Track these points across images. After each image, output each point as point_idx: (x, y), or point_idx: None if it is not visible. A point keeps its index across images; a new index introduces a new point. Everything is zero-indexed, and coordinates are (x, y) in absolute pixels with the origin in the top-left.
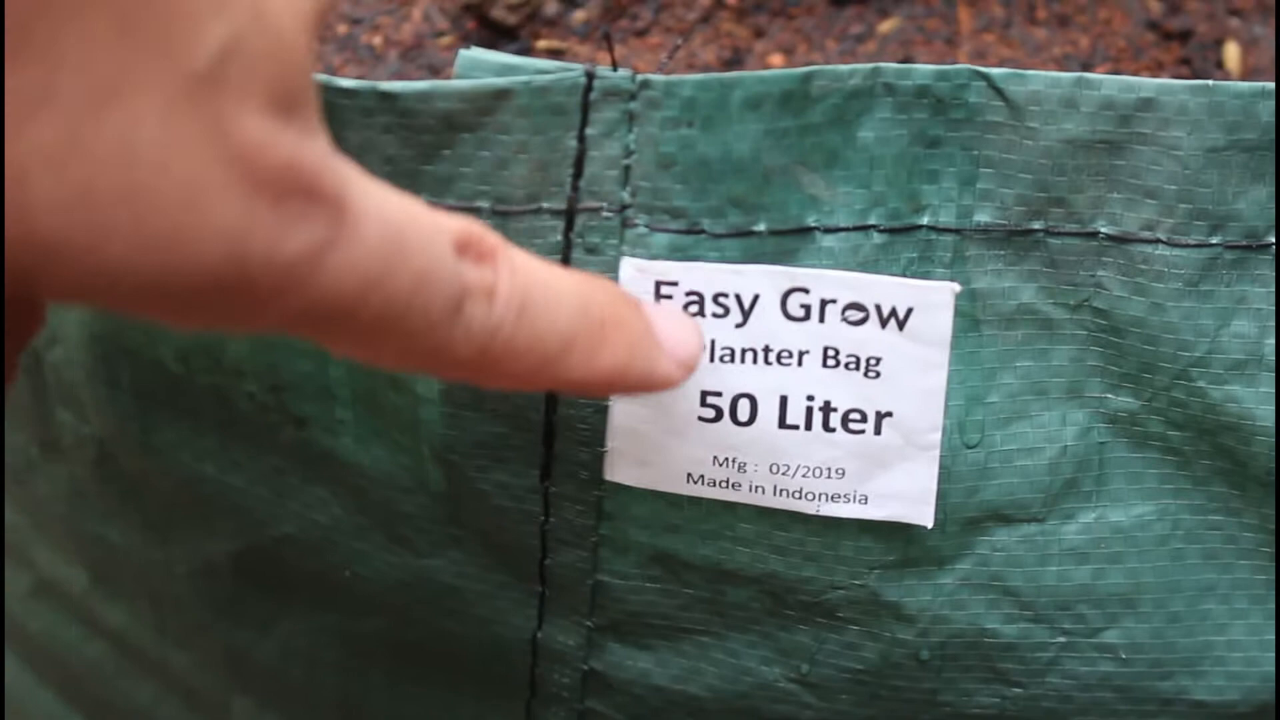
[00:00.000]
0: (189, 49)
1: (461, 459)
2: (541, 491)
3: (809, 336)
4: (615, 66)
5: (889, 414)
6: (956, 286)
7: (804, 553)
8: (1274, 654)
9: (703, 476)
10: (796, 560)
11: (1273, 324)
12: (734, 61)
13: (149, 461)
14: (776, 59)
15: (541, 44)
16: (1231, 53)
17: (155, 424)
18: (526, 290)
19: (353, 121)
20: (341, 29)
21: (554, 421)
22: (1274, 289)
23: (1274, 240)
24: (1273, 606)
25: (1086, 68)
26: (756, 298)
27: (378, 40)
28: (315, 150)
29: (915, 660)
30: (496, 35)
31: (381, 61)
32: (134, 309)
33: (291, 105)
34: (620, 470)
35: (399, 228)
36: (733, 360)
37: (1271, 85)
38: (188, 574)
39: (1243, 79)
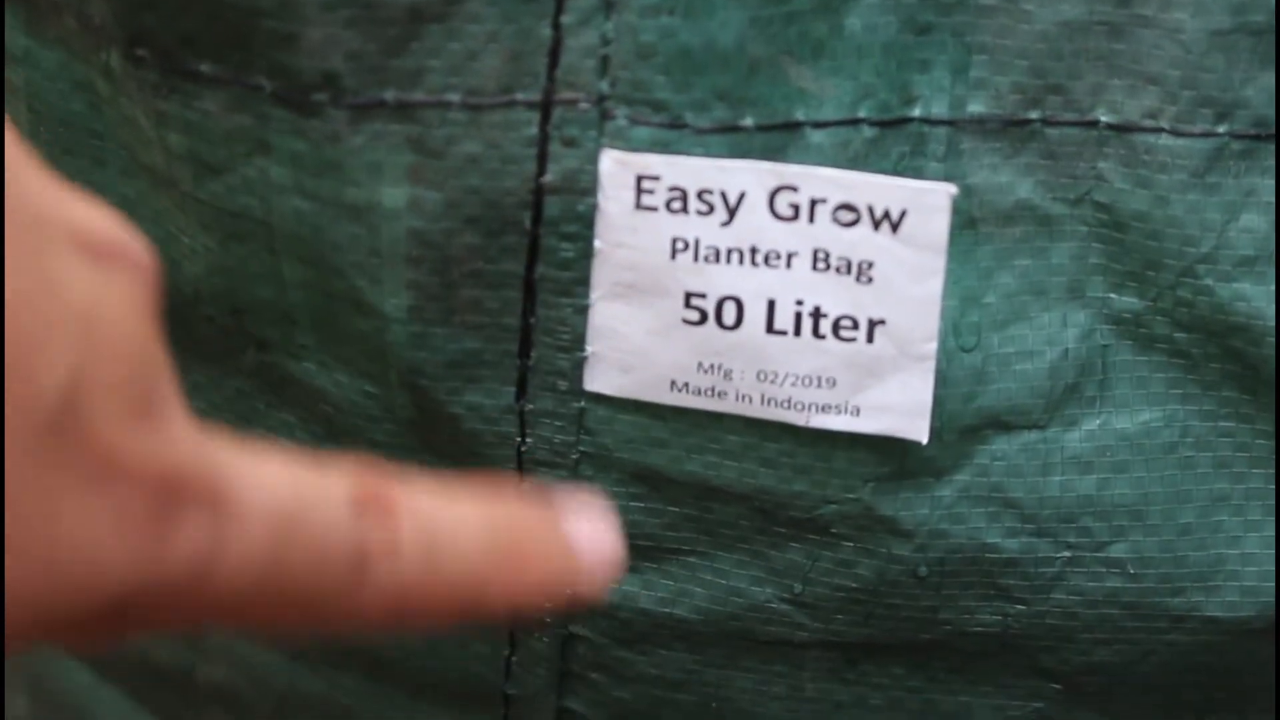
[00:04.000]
0: (36, 399)
1: (431, 382)
2: (517, 411)
3: (798, 237)
4: None
5: (881, 321)
6: (953, 188)
7: (794, 465)
8: None
9: (687, 384)
10: (787, 474)
11: None
12: None
13: None
14: None
15: None
16: None
17: None
18: (432, 536)
19: (312, 17)
20: None
21: (531, 326)
22: None
23: None
24: None
25: None
26: (743, 195)
27: None
28: (184, 446)
29: (913, 577)
30: None
31: None
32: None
33: (151, 404)
34: (601, 378)
35: (289, 506)
36: (717, 260)
37: None
38: None
39: None
